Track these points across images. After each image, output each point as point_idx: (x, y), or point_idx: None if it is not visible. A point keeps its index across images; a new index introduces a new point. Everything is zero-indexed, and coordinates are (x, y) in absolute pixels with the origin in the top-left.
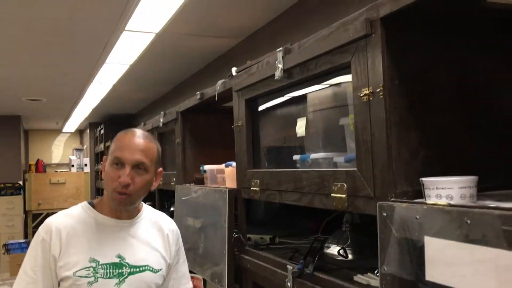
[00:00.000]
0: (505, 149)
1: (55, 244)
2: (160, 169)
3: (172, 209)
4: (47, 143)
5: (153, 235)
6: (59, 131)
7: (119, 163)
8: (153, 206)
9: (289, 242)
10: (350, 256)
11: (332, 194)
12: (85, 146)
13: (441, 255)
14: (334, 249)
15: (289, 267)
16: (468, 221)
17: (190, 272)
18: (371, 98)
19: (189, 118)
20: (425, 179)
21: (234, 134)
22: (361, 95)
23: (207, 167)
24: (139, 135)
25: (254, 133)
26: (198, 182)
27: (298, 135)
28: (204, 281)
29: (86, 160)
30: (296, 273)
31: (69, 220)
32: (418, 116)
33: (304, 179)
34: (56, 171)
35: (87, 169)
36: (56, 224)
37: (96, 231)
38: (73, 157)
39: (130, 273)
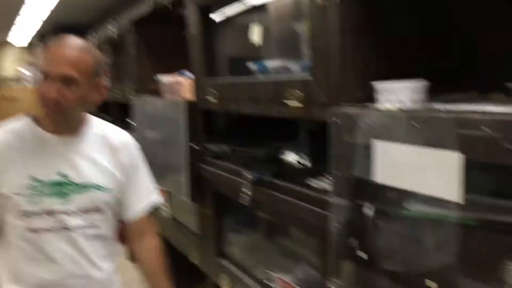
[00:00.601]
0: (455, 55)
1: None
2: (102, 80)
3: (129, 121)
4: None
5: (100, 150)
6: (8, 43)
7: (46, 76)
8: (108, 119)
9: (248, 152)
10: (307, 162)
11: (287, 103)
12: (37, 60)
13: (390, 157)
14: (291, 156)
15: (247, 175)
16: (417, 125)
17: None
18: (326, 4)
19: (143, 28)
20: (376, 84)
21: (189, 43)
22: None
23: (163, 78)
24: (70, 45)
25: (210, 43)
26: (155, 94)
27: (254, 43)
28: (169, 192)
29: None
30: (254, 180)
31: (7, 135)
32: (372, 22)
33: (260, 89)
34: (8, 86)
35: None
36: None
37: (36, 147)
38: (24, 71)
39: (74, 192)
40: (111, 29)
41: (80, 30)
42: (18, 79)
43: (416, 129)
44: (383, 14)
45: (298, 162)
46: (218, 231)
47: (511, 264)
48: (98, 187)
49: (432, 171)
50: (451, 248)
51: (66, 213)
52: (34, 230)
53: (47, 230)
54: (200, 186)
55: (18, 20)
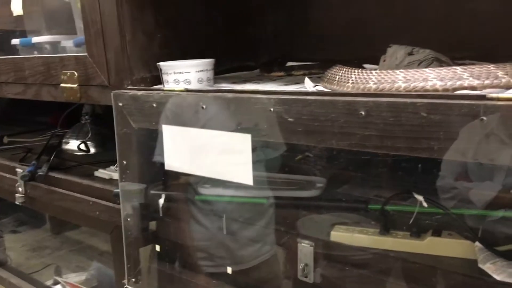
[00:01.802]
0: (240, 29)
1: None
2: None
3: None
4: None
5: None
6: None
7: None
8: None
9: (22, 141)
10: (92, 150)
11: (61, 84)
12: None
13: (179, 142)
14: (74, 145)
15: (19, 170)
16: (204, 106)
17: None
18: None
19: None
20: (162, 64)
21: None
22: None
23: None
24: None
25: None
26: None
27: (14, 14)
28: None
29: None
30: (27, 176)
31: None
32: None
33: (26, 68)
34: None
35: None
36: None
37: None
38: None
39: None
40: None
41: None
42: None
43: (204, 111)
44: None
45: (82, 149)
46: None
47: (302, 241)
48: None
49: (224, 155)
50: (246, 229)
51: None
52: None
53: None
54: None
55: None
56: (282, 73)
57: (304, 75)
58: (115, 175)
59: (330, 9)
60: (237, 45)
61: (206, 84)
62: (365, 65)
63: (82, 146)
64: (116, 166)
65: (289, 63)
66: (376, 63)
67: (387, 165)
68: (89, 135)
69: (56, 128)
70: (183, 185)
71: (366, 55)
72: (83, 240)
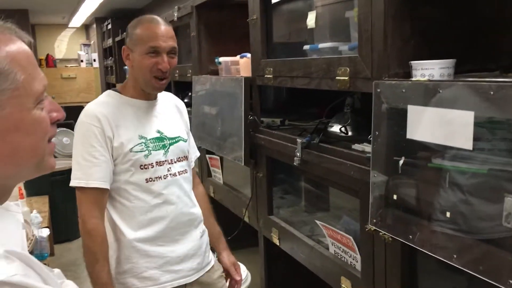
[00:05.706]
0: (482, 39)
1: (107, 128)
2: None
3: (186, 100)
4: (53, 38)
5: (173, 111)
6: (65, 26)
7: (154, 51)
8: None
9: (297, 124)
10: (350, 133)
11: (336, 77)
12: (92, 42)
13: (420, 118)
14: (336, 128)
15: (298, 140)
16: (440, 91)
17: (209, 152)
18: None
19: (203, 13)
20: (413, 62)
21: (249, 27)
22: None
23: (221, 59)
24: (162, 22)
25: (268, 26)
26: (212, 73)
27: (308, 27)
28: (221, 159)
29: (95, 56)
30: (304, 143)
31: (106, 107)
32: (411, 9)
33: (312, 66)
34: (66, 66)
35: (96, 64)
36: (98, 111)
37: (132, 112)
38: (81, 52)
39: (170, 144)
40: (172, 12)
41: (134, 13)
42: (71, 59)
43: (440, 94)
44: (420, 2)
45: (342, 132)
46: (269, 191)
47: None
48: (182, 139)
49: (451, 127)
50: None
51: (169, 162)
52: (152, 179)
53: (161, 177)
54: (254, 152)
55: (82, 4)
56: None
57: None
58: (367, 148)
59: None
60: (480, 50)
61: (446, 78)
62: None
63: (343, 129)
64: (370, 137)
65: None
66: None
67: None
68: (349, 122)
69: (321, 117)
70: (419, 153)
71: None
72: (330, 210)
